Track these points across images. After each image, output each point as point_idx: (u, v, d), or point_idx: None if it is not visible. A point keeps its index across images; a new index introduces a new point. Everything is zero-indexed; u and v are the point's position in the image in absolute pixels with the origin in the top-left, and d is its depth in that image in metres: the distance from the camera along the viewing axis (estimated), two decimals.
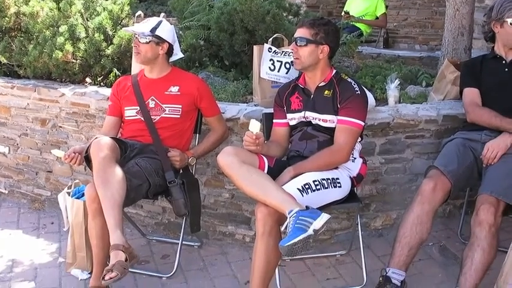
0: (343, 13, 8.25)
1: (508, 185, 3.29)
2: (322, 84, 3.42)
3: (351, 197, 3.43)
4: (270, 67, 4.06)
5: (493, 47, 3.82)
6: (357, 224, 3.54)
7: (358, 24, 7.72)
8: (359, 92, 3.36)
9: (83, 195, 3.53)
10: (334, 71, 3.46)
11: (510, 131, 3.48)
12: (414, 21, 9.47)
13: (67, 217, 3.66)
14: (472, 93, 3.72)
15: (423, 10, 9.34)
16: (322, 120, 3.37)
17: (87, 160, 3.38)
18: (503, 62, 3.73)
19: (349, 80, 3.42)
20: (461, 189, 3.63)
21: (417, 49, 8.88)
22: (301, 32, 3.40)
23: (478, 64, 3.82)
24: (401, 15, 9.54)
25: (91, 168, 3.33)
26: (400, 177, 4.08)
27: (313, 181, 3.18)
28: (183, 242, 3.77)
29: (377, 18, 8.11)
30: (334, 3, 9.77)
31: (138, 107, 3.68)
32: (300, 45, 3.38)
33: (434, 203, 3.34)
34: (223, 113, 3.89)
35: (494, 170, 3.41)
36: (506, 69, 3.71)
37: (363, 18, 7.80)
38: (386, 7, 8.33)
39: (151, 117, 3.65)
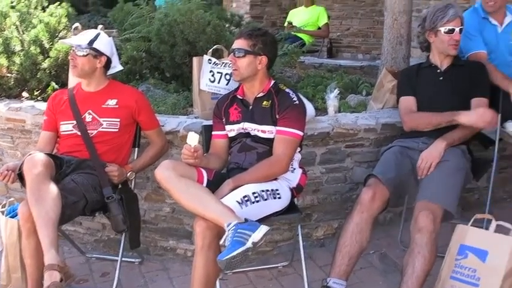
0: (286, 23, 8.30)
1: (445, 190, 3.35)
2: (261, 95, 3.41)
3: (291, 207, 3.42)
4: (210, 79, 4.04)
5: (429, 56, 3.88)
6: (298, 235, 3.53)
7: (300, 35, 7.81)
8: (297, 102, 3.36)
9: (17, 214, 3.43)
10: (273, 82, 3.46)
11: (453, 121, 3.53)
12: (357, 31, 9.63)
13: (0, 237, 3.55)
14: (408, 102, 3.77)
15: (365, 20, 9.51)
16: (261, 131, 3.36)
17: (21, 177, 3.29)
18: (438, 71, 3.80)
19: (287, 90, 3.42)
20: (400, 196, 3.67)
21: (360, 58, 9.01)
22: (239, 43, 3.39)
23: (414, 73, 3.87)
24: (344, 25, 9.69)
25: (25, 186, 3.24)
26: (341, 186, 4.10)
27: (253, 193, 3.16)
28: (124, 259, 3.70)
29: (319, 28, 8.17)
30: (277, 13, 9.84)
31: (75, 121, 3.61)
32: (238, 57, 3.36)
33: (373, 212, 3.35)
34: (163, 126, 3.84)
35: (430, 177, 3.45)
36: (441, 78, 3.77)
37: (305, 28, 7.87)
38: (329, 17, 8.41)
39: (88, 131, 3.58)
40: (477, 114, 3.49)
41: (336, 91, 4.26)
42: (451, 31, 3.68)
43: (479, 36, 4.11)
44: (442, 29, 3.68)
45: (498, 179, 4.32)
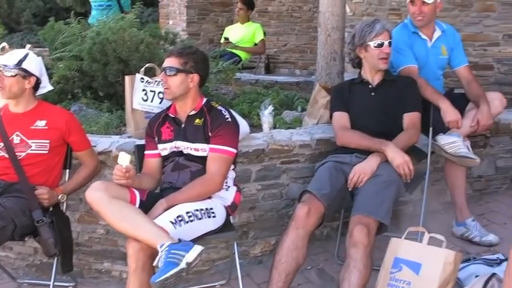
0: (222, 40, 8.30)
1: (378, 203, 3.38)
2: (193, 113, 3.38)
3: (227, 226, 3.39)
4: (142, 97, 4.00)
5: (360, 72, 3.93)
6: (234, 253, 3.50)
7: (237, 51, 7.81)
8: (230, 119, 3.35)
9: None
10: (205, 100, 3.44)
11: (380, 150, 3.57)
12: (294, 46, 9.70)
13: None
14: (341, 117, 3.81)
15: (302, 36, 9.59)
16: (194, 149, 3.33)
17: None
18: (370, 86, 3.85)
19: (219, 107, 3.41)
20: (335, 211, 3.70)
21: (297, 74, 9.07)
22: (170, 62, 3.36)
23: (346, 88, 3.92)
24: (281, 41, 9.75)
25: None
26: (277, 202, 4.09)
27: (186, 212, 3.12)
28: (56, 283, 3.58)
29: (256, 44, 8.21)
30: (214, 30, 9.83)
31: (2, 144, 3.50)
32: (169, 75, 3.34)
33: (308, 228, 3.36)
34: (95, 146, 3.77)
35: (364, 191, 3.48)
36: (373, 93, 3.83)
37: (241, 45, 7.89)
38: (265, 34, 8.45)
39: (16, 153, 3.48)
40: (401, 160, 3.53)
41: (271, 108, 4.27)
42: (380, 45, 3.73)
43: (409, 50, 4.18)
44: (371, 44, 3.73)
45: (432, 191, 4.39)
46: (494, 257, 3.63)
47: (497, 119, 4.61)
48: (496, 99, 4.23)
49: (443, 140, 3.91)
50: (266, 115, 4.24)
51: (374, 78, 3.86)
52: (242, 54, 7.85)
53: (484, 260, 3.58)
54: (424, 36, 4.31)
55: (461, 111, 4.05)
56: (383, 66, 3.79)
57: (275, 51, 9.72)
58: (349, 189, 3.56)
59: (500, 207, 4.70)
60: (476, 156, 3.97)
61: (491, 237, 4.11)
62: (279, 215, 4.10)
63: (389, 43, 3.76)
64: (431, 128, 3.93)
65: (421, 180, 3.91)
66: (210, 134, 3.30)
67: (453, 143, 3.90)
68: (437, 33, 4.33)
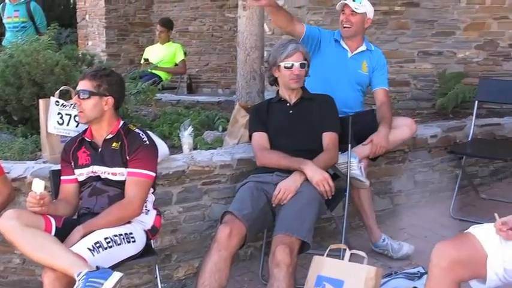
0: (142, 61, 8.24)
1: (300, 222, 3.38)
2: (110, 136, 3.31)
3: (148, 250, 3.32)
4: (58, 121, 3.89)
5: (278, 90, 3.95)
6: (156, 278, 3.42)
7: (157, 72, 7.76)
8: (147, 142, 3.29)
9: None
10: (122, 122, 3.37)
11: (299, 169, 3.58)
12: (215, 66, 9.74)
13: None
14: (260, 137, 3.81)
15: (223, 55, 9.63)
16: (112, 173, 3.25)
17: None
18: (288, 104, 3.87)
19: (137, 130, 3.34)
20: (258, 231, 3.68)
21: (220, 93, 9.09)
22: (83, 85, 3.28)
23: (265, 108, 3.92)
24: (203, 61, 9.78)
25: None
26: (200, 224, 4.04)
27: (105, 238, 3.04)
28: None
29: (176, 64, 8.17)
30: (135, 51, 9.77)
31: None
32: (82, 98, 3.25)
33: (231, 249, 3.33)
34: (8, 172, 3.63)
35: (286, 210, 3.48)
36: (291, 112, 3.84)
37: (162, 65, 7.85)
38: (186, 54, 8.43)
39: None
40: (320, 177, 3.55)
41: (190, 128, 4.23)
42: (290, 67, 3.76)
43: None
44: (282, 64, 3.77)
45: (352, 207, 4.44)
46: (415, 270, 3.68)
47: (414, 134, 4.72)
48: (405, 125, 4.39)
49: (339, 159, 3.94)
50: (186, 136, 4.19)
51: (291, 97, 3.88)
52: (163, 75, 7.81)
53: (405, 274, 3.63)
54: (345, 47, 4.41)
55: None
56: (294, 85, 3.82)
57: (197, 71, 9.74)
58: (274, 205, 3.55)
59: (420, 220, 4.77)
60: (367, 179, 4.02)
61: (406, 249, 4.18)
62: (202, 237, 4.05)
63: (302, 64, 3.78)
64: (350, 145, 3.96)
65: (342, 197, 3.94)
66: (127, 157, 3.23)
67: (347, 163, 3.93)
68: (362, 48, 4.44)
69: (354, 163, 3.96)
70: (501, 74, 6.28)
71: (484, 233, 2.79)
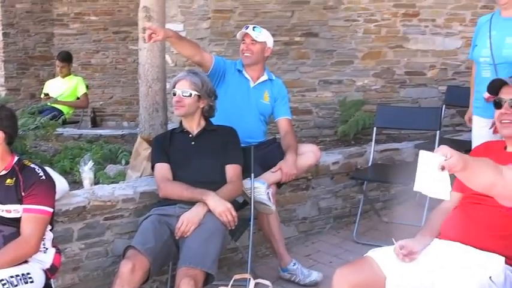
0: (42, 95, 8.05)
1: (204, 253, 3.36)
2: (4, 172, 3.17)
3: None
4: None
5: (181, 121, 3.93)
6: None
7: (59, 106, 7.58)
8: (44, 177, 3.18)
9: None
10: (16, 158, 3.25)
11: (202, 200, 3.57)
12: (120, 99, 9.64)
13: None
14: (162, 169, 3.77)
15: (128, 88, 9.54)
16: (6, 211, 3.12)
17: None
18: (190, 135, 3.86)
19: (32, 165, 3.23)
20: (162, 265, 3.61)
21: (125, 126, 8.99)
22: None
23: (167, 139, 3.90)
24: (107, 94, 9.66)
25: None
26: (103, 261, 3.93)
27: (0, 281, 2.91)
28: None
29: (78, 98, 8.02)
30: (36, 85, 9.50)
31: None
32: None
33: (134, 284, 3.26)
34: None
35: (190, 242, 3.45)
36: (193, 143, 3.83)
37: (63, 99, 7.69)
38: (88, 87, 8.30)
39: None
40: (223, 207, 3.55)
41: (91, 163, 4.15)
42: (174, 94, 3.81)
43: None
44: (172, 92, 3.82)
45: (258, 236, 4.46)
46: None
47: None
48: (310, 151, 4.47)
49: (247, 184, 3.97)
50: (86, 171, 4.11)
51: (193, 128, 3.87)
52: (64, 109, 7.66)
53: None
54: (247, 76, 4.45)
55: (282, 158, 4.24)
56: (176, 112, 3.87)
57: (101, 104, 9.60)
58: (177, 237, 3.51)
59: (325, 246, 4.85)
60: (273, 204, 4.04)
61: (315, 276, 4.21)
62: (105, 273, 3.94)
63: (185, 92, 3.78)
64: (252, 175, 3.99)
65: (246, 226, 3.94)
66: (23, 193, 3.11)
67: (256, 189, 3.97)
68: (264, 78, 4.51)
69: (262, 188, 3.99)
70: (398, 100, 6.54)
71: (382, 256, 2.87)
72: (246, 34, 4.43)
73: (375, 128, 5.30)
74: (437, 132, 5.00)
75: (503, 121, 2.94)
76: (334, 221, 5.18)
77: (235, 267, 4.36)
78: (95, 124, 9.02)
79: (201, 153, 3.80)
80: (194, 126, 3.88)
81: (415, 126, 5.41)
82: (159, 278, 4.10)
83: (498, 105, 2.97)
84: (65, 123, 7.21)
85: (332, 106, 6.66)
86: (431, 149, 2.31)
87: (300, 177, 4.80)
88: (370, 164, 5.17)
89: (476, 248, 2.78)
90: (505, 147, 3.01)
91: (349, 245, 4.81)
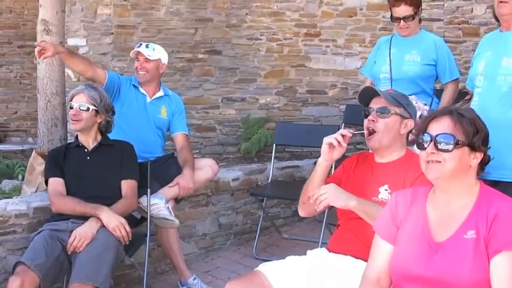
0: None
1: (96, 269, 3.33)
2: None
3: None
4: None
5: (77, 135, 3.90)
6: None
7: None
8: None
9: None
10: None
11: (95, 215, 3.55)
12: (25, 114, 9.40)
13: None
14: (55, 183, 3.73)
15: (33, 103, 9.22)
16: None
17: None
18: (86, 150, 3.83)
19: None
20: (53, 281, 3.53)
21: (30, 142, 8.77)
22: None
23: (62, 153, 3.85)
24: (11, 109, 9.40)
25: None
26: None
27: None
28: None
29: None
30: None
31: None
32: None
33: None
34: None
35: (82, 257, 3.41)
36: (88, 158, 3.81)
37: None
38: None
39: None
40: (116, 222, 3.53)
41: None
42: (71, 107, 3.79)
43: None
44: (69, 105, 3.83)
45: (159, 252, 4.46)
46: None
47: (217, 177, 4.87)
48: (207, 165, 4.54)
49: (144, 200, 3.98)
50: None
51: (89, 142, 3.85)
52: None
53: None
54: (144, 92, 4.49)
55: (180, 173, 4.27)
56: (72, 127, 3.84)
57: (5, 119, 9.34)
58: (69, 252, 3.47)
59: (224, 262, 4.88)
60: (176, 218, 4.09)
61: None
62: None
63: (83, 106, 3.76)
64: (149, 190, 4.00)
65: (141, 242, 3.94)
66: None
67: (154, 205, 4.00)
68: (160, 94, 4.55)
69: (161, 204, 4.01)
70: (301, 118, 6.70)
71: (272, 270, 2.92)
72: (139, 52, 4.46)
73: (274, 145, 5.39)
74: None
75: (369, 128, 2.97)
76: (235, 237, 5.24)
77: (133, 283, 4.37)
78: None
79: (97, 168, 3.78)
80: (90, 140, 3.85)
81: (314, 143, 5.42)
82: None
83: (366, 113, 3.00)
84: None
85: (235, 123, 6.74)
86: None
87: (199, 193, 4.85)
88: (269, 181, 5.25)
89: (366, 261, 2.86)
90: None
91: (248, 261, 4.85)
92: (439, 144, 2.25)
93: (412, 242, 2.31)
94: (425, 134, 2.30)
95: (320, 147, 3.02)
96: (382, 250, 2.42)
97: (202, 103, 6.66)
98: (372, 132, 2.97)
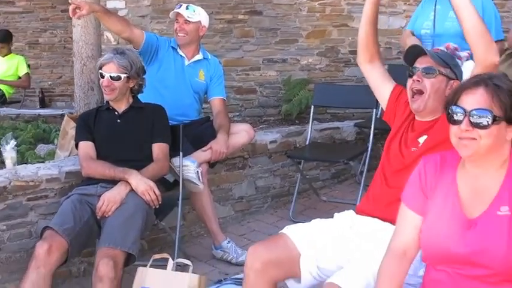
0: None
1: (124, 233, 3.28)
2: None
3: None
4: None
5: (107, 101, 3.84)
6: None
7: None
8: None
9: None
10: None
11: (124, 179, 3.49)
12: (69, 79, 9.35)
13: None
14: (85, 147, 3.68)
15: None
16: None
17: None
18: (116, 113, 3.76)
19: None
20: (82, 246, 3.51)
21: (75, 107, 8.79)
22: None
23: (92, 117, 3.80)
24: (56, 74, 9.43)
25: None
26: (26, 242, 3.82)
27: None
28: None
29: (20, 78, 7.84)
30: None
31: None
32: None
33: (50, 266, 3.17)
34: None
35: (111, 221, 3.37)
36: (119, 121, 3.74)
37: (4, 78, 7.52)
38: (29, 66, 8.10)
39: None
40: (145, 186, 3.47)
41: (13, 142, 4.02)
42: (102, 76, 3.69)
43: None
44: (99, 73, 3.72)
45: (193, 216, 4.42)
46: None
47: (254, 140, 4.77)
48: (243, 130, 4.47)
49: (176, 162, 3.92)
50: (8, 150, 3.99)
51: (120, 105, 3.77)
52: (5, 88, 7.48)
53: (235, 279, 3.59)
54: (182, 54, 4.40)
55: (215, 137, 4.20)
56: (106, 97, 3.75)
57: (50, 84, 9.38)
58: (98, 217, 3.43)
59: (261, 226, 4.81)
60: (201, 183, 4.00)
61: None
62: (29, 255, 3.76)
63: (113, 76, 3.65)
64: (181, 153, 3.93)
65: (173, 205, 3.88)
66: None
67: (185, 167, 3.93)
68: (199, 57, 4.45)
69: (192, 167, 3.95)
70: (343, 79, 6.51)
71: (297, 232, 2.82)
72: (179, 14, 4.35)
73: (312, 107, 5.25)
74: (374, 110, 4.95)
75: (413, 88, 2.84)
76: (272, 200, 5.15)
77: (168, 247, 4.30)
78: (43, 104, 8.82)
79: (127, 131, 3.72)
80: (122, 104, 3.78)
81: (352, 104, 5.38)
82: (88, 259, 4.03)
83: (411, 73, 2.83)
84: (5, 102, 7.07)
85: (276, 85, 6.61)
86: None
87: (236, 156, 4.77)
88: (307, 143, 5.13)
89: (394, 224, 2.74)
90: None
91: (285, 223, 4.56)
92: (474, 120, 2.05)
93: (443, 217, 2.15)
94: (458, 107, 2.09)
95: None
96: (409, 222, 2.26)
97: (242, 65, 6.54)
98: (415, 93, 2.80)
